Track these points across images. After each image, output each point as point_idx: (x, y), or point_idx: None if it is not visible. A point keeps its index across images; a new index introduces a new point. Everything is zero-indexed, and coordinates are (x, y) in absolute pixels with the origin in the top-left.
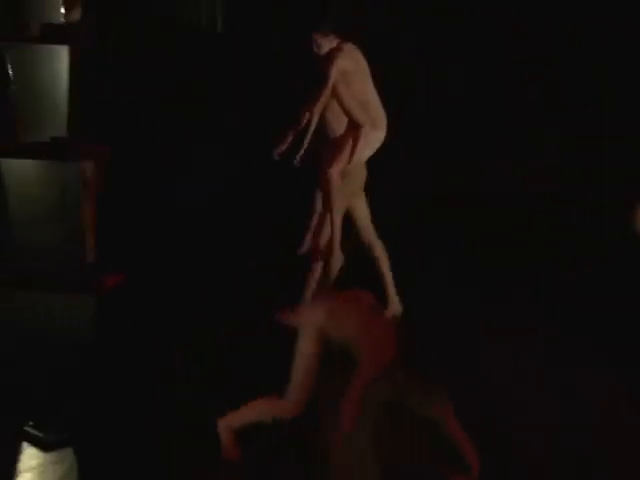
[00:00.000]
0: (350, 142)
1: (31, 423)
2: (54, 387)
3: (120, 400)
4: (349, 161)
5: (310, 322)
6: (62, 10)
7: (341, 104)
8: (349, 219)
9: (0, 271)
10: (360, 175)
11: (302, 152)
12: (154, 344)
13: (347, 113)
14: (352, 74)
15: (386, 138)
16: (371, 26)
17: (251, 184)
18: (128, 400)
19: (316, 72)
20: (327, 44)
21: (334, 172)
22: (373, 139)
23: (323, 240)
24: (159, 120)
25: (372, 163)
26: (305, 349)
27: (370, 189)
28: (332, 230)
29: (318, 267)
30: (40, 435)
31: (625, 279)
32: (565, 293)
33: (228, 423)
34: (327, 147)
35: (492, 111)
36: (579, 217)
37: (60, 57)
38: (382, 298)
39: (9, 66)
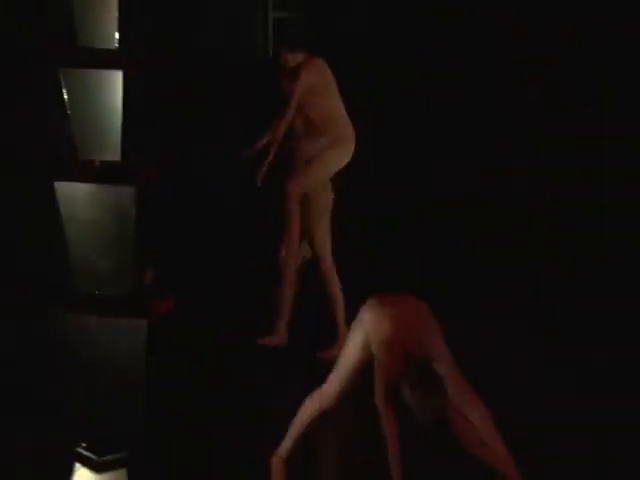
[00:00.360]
0: (312, 159)
1: (84, 444)
2: (107, 408)
3: (173, 421)
4: (310, 180)
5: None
6: (116, 36)
7: (306, 119)
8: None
9: (54, 295)
10: (324, 196)
11: (264, 170)
12: (206, 365)
13: (312, 128)
14: (318, 89)
15: (387, 138)
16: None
17: None
18: (181, 421)
19: (282, 88)
20: (293, 60)
21: (293, 190)
22: (337, 156)
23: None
24: (207, 145)
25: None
26: (355, 351)
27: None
28: (286, 249)
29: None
30: (93, 456)
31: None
32: (564, 293)
33: (280, 455)
34: (290, 164)
35: (492, 111)
36: (579, 217)
37: (114, 82)
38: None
39: (64, 91)
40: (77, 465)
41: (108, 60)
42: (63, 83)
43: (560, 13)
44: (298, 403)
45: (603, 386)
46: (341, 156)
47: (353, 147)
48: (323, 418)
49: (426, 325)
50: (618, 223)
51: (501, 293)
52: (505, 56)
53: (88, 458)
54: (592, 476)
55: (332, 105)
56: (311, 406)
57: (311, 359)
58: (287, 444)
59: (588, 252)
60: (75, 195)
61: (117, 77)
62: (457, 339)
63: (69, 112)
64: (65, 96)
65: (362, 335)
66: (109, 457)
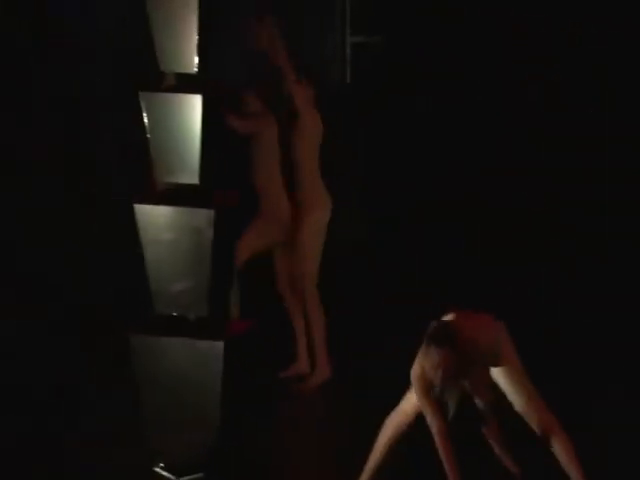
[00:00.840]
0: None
1: (161, 464)
2: (184, 429)
3: (249, 442)
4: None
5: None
6: (196, 60)
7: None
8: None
9: (134, 318)
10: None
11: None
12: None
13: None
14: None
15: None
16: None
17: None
18: (256, 442)
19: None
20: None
21: (241, 253)
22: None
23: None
24: None
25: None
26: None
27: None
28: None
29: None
30: (171, 476)
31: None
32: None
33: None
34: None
35: (492, 111)
36: (579, 217)
37: (193, 106)
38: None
39: (144, 115)
40: None
41: (188, 84)
42: (143, 106)
43: (560, 13)
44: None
45: (603, 386)
46: (316, 222)
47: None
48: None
49: (495, 338)
50: (618, 223)
51: (501, 293)
52: (505, 56)
53: (166, 478)
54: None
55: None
56: (390, 429)
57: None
58: (367, 475)
59: (588, 252)
60: (154, 218)
61: (196, 101)
62: None
63: (149, 135)
64: (145, 119)
65: None
66: (186, 478)
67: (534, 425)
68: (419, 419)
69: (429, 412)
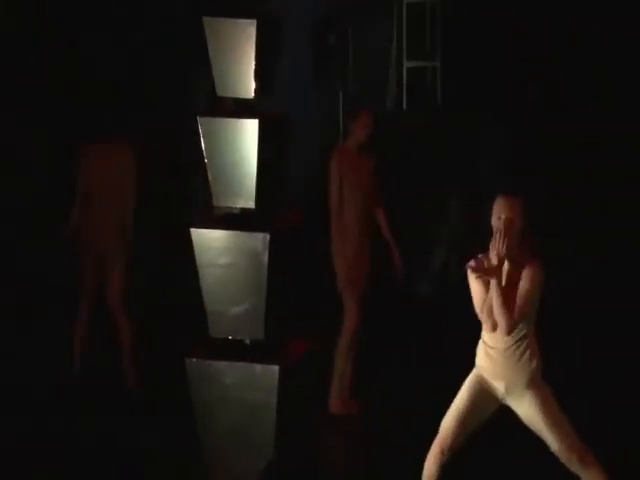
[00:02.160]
0: None
1: None
2: (237, 453)
3: (301, 465)
4: None
5: None
6: (253, 86)
7: None
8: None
9: (189, 340)
10: None
11: None
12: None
13: None
14: None
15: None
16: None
17: None
18: (309, 466)
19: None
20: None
21: None
22: None
23: None
24: None
25: None
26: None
27: None
28: None
29: None
30: None
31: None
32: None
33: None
34: None
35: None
36: (579, 217)
37: (250, 131)
38: None
39: (202, 139)
40: None
41: (245, 109)
42: (201, 131)
43: (560, 13)
44: None
45: (603, 385)
46: None
47: None
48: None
49: None
50: (618, 222)
51: None
52: (505, 56)
53: None
54: None
55: None
56: (432, 456)
57: None
58: None
59: (588, 252)
60: (211, 241)
61: (253, 126)
62: (457, 340)
63: (206, 160)
64: (202, 144)
65: (474, 373)
66: None
67: (569, 463)
68: None
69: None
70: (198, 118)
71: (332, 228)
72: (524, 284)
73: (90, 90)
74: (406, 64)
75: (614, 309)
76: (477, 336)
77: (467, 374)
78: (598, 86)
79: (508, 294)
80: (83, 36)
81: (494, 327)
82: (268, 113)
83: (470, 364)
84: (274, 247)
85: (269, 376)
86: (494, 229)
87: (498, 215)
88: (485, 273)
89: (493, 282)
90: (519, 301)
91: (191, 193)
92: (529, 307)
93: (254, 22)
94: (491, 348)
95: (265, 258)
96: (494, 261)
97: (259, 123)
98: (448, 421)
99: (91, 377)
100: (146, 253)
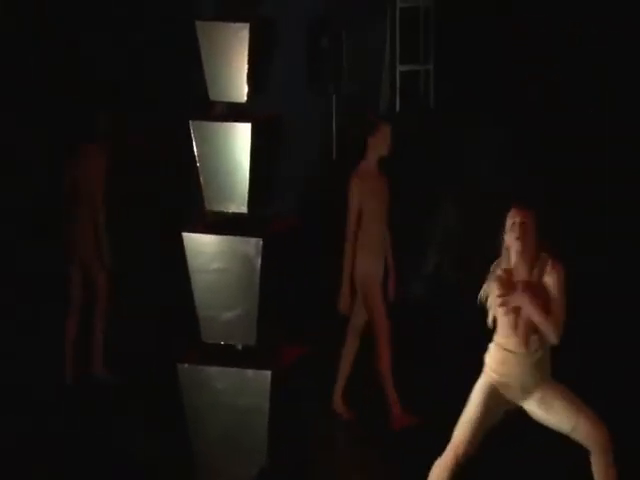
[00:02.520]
0: None
1: None
2: (229, 458)
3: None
4: None
5: None
6: (246, 90)
7: None
8: None
9: (181, 345)
10: None
11: None
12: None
13: None
14: None
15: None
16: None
17: None
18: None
19: None
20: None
21: None
22: None
23: None
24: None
25: None
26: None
27: None
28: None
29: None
30: None
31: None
32: None
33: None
34: None
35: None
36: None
37: (243, 135)
38: None
39: (194, 143)
40: None
41: (237, 113)
42: (193, 135)
43: (560, 13)
44: None
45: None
46: None
47: None
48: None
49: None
50: (618, 223)
51: None
52: (498, 59)
53: None
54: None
55: None
56: (444, 463)
57: None
58: None
59: (588, 252)
60: (202, 246)
61: (246, 130)
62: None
63: (198, 164)
64: (195, 148)
65: (486, 378)
66: None
67: (595, 446)
68: None
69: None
70: (190, 122)
71: (347, 252)
72: (556, 292)
73: (90, 90)
74: (399, 67)
75: (614, 311)
76: (471, 337)
77: (461, 375)
78: (597, 87)
79: (539, 300)
80: (83, 36)
81: (527, 341)
82: (261, 116)
83: (464, 364)
84: (267, 252)
85: (261, 381)
86: (507, 241)
87: (512, 220)
88: (511, 302)
89: (526, 303)
90: (558, 309)
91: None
92: (565, 310)
93: (247, 26)
94: (510, 352)
95: (258, 263)
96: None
97: (252, 127)
98: (462, 428)
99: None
100: (146, 254)
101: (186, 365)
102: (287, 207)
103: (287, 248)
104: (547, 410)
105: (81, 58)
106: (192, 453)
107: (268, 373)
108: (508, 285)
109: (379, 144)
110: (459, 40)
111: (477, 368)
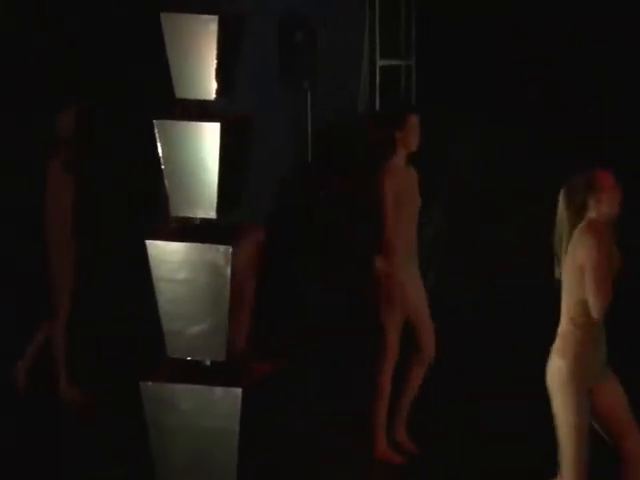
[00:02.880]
0: None
1: None
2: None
3: None
4: None
5: None
6: (215, 86)
7: None
8: None
9: (145, 361)
10: None
11: None
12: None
13: None
14: None
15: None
16: None
17: None
18: None
19: None
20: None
21: None
22: None
23: None
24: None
25: None
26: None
27: None
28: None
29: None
30: None
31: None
32: None
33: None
34: None
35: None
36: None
37: (211, 135)
38: None
39: (159, 144)
40: None
41: (205, 112)
42: (158, 136)
43: (560, 13)
44: None
45: None
46: None
47: None
48: None
49: None
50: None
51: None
52: (483, 54)
53: None
54: None
55: None
56: None
57: None
58: None
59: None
60: (167, 254)
61: (214, 130)
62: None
63: (163, 167)
64: (159, 150)
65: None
66: None
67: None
68: None
69: None
70: (154, 122)
71: (384, 256)
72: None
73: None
74: (379, 62)
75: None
76: (459, 345)
77: (449, 379)
78: (585, 86)
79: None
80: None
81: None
82: (231, 115)
83: (448, 371)
84: (237, 261)
85: (231, 400)
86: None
87: (613, 184)
88: None
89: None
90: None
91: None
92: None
93: (216, 18)
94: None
95: (227, 272)
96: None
97: (221, 126)
98: (584, 449)
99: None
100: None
101: (150, 383)
102: (259, 213)
103: (259, 256)
104: (615, 398)
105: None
106: (156, 478)
107: (239, 391)
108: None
109: (408, 138)
110: (442, 33)
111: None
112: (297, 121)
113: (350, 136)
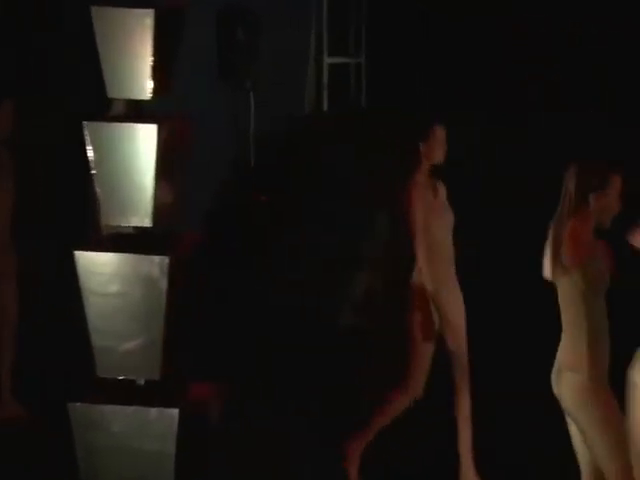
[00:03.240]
0: None
1: None
2: None
3: None
4: None
5: None
6: (150, 86)
7: None
8: None
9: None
10: None
11: None
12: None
13: None
14: None
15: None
16: None
17: None
18: None
19: None
20: None
21: None
22: None
23: None
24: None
25: None
26: None
27: None
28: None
29: None
30: None
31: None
32: None
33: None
34: None
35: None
36: None
37: (146, 137)
38: None
39: (90, 147)
40: None
41: (140, 113)
42: (88, 139)
43: (560, 13)
44: None
45: None
46: None
47: None
48: None
49: None
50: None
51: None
52: (438, 51)
53: None
54: None
55: None
56: None
57: None
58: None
59: None
60: (98, 266)
61: (150, 132)
62: None
63: (94, 171)
64: (90, 153)
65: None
66: None
67: None
68: None
69: None
70: (84, 124)
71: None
72: None
73: None
74: (327, 60)
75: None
76: None
77: None
78: (530, 82)
79: None
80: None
81: None
82: (168, 116)
83: None
84: (174, 272)
85: (167, 422)
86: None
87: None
88: None
89: None
90: None
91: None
92: None
93: (151, 12)
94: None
95: (163, 285)
96: None
97: (158, 128)
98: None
99: None
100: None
101: (78, 404)
102: (198, 219)
103: (196, 267)
104: None
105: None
106: None
107: (175, 412)
108: None
109: (434, 151)
110: (395, 29)
111: None
112: (239, 122)
113: (295, 138)
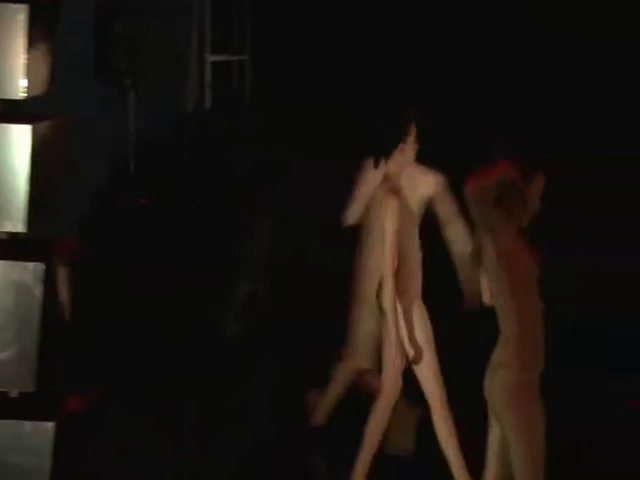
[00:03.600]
0: None
1: None
2: None
3: None
4: None
5: None
6: (23, 84)
7: None
8: None
9: None
10: None
11: None
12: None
13: None
14: None
15: None
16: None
17: None
18: None
19: None
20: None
21: None
22: None
23: None
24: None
25: None
26: None
27: None
28: None
29: None
30: None
31: None
32: None
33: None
34: None
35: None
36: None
37: (20, 139)
38: None
39: None
40: None
41: (14, 113)
42: None
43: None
44: None
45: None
46: None
47: None
48: None
49: None
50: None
51: None
52: (325, 48)
53: None
54: None
55: None
56: None
57: None
58: None
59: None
60: None
61: (24, 133)
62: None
63: None
64: None
65: None
66: None
67: None
68: None
69: None
70: None
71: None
72: None
73: None
74: (209, 58)
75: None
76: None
77: None
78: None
79: None
80: None
81: None
82: (43, 117)
83: None
84: (49, 280)
85: (41, 435)
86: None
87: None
88: None
89: None
90: None
91: None
92: None
93: (25, 7)
94: None
95: (37, 293)
96: None
97: (32, 130)
98: None
99: None
100: None
101: None
102: (75, 224)
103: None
104: None
105: None
106: None
107: (50, 425)
108: None
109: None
110: (279, 26)
111: None
112: (118, 122)
113: (176, 139)
